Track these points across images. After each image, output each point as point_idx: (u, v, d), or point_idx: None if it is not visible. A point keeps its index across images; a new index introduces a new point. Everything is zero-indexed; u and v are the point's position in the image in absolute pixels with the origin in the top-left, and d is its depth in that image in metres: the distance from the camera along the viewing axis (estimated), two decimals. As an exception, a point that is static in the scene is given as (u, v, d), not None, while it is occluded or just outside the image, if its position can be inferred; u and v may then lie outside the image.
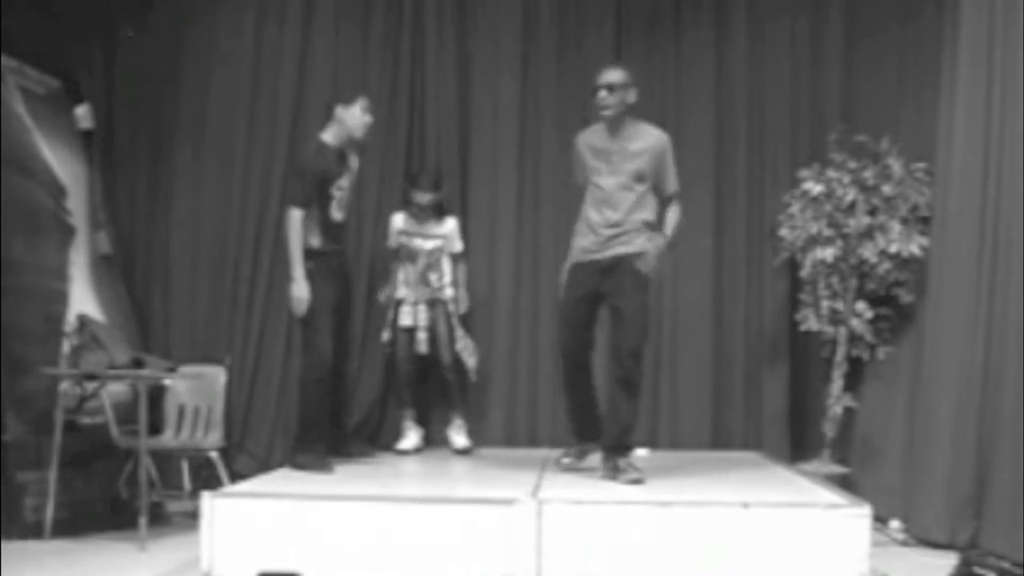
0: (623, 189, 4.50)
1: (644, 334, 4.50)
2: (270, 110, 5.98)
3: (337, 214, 4.88)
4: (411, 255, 5.55)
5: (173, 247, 5.99)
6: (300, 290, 4.70)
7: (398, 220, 5.61)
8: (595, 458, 4.65)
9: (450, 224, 5.66)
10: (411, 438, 5.54)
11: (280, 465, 5.06)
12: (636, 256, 4.48)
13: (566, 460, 4.79)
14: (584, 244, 4.58)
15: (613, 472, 4.39)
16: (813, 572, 3.63)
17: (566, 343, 4.65)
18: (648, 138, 4.56)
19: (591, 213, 4.57)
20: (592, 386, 4.73)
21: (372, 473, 4.71)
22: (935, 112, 5.11)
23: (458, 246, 5.67)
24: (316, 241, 4.79)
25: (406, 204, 5.62)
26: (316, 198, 4.77)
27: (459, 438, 5.55)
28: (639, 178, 4.51)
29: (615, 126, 4.54)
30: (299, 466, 4.62)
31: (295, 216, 4.72)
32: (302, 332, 4.89)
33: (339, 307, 4.92)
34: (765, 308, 5.82)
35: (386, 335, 5.54)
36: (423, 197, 5.52)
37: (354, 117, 4.86)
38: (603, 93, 4.49)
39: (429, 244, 5.56)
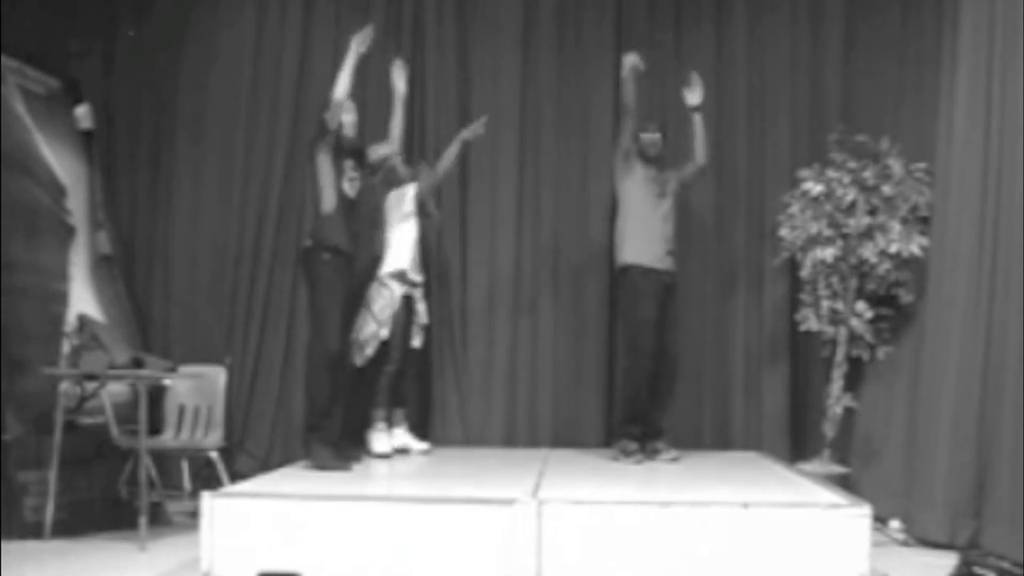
0: (671, 213, 5.29)
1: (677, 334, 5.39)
2: (270, 109, 5.99)
3: (349, 190, 4.89)
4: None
5: (173, 247, 5.99)
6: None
7: (404, 197, 5.33)
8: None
9: (411, 184, 5.50)
10: (385, 440, 5.26)
11: (280, 465, 5.07)
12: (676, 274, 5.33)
13: (639, 457, 5.05)
14: (649, 251, 5.18)
15: (653, 453, 5.16)
16: (813, 572, 3.62)
17: (653, 346, 5.14)
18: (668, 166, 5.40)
19: (653, 223, 5.21)
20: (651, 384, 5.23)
21: (372, 473, 4.70)
22: (935, 112, 5.12)
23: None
24: (330, 206, 4.79)
25: (390, 179, 5.40)
26: (331, 164, 4.81)
27: (415, 440, 5.41)
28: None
29: (658, 164, 5.34)
30: (314, 460, 4.61)
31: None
32: (312, 322, 4.89)
33: (347, 303, 4.96)
34: (765, 308, 5.82)
35: (385, 333, 5.19)
36: (398, 159, 5.43)
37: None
38: (658, 136, 5.32)
39: (412, 207, 5.39)
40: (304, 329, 5.71)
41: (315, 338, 4.83)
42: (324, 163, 4.83)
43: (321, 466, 4.58)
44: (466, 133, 5.40)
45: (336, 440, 4.96)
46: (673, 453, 5.16)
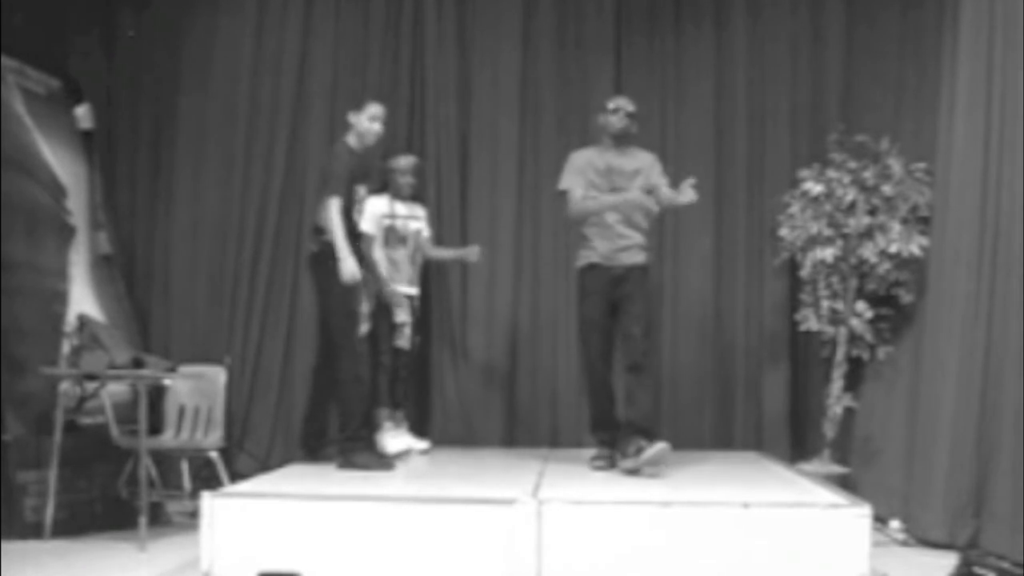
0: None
1: (648, 324, 4.96)
2: (270, 109, 5.98)
3: (356, 215, 4.93)
4: (401, 238, 5.37)
5: (173, 247, 5.99)
6: (348, 265, 4.69)
7: (381, 204, 5.35)
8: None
9: (421, 209, 5.59)
10: (396, 439, 5.29)
11: (280, 465, 5.07)
12: (643, 267, 4.86)
13: (599, 463, 4.83)
14: (597, 251, 4.82)
15: (637, 452, 4.57)
16: (813, 572, 3.62)
17: (594, 341, 4.82)
18: (643, 158, 4.91)
19: (593, 231, 4.82)
20: (613, 388, 4.89)
21: (371, 474, 4.70)
22: (935, 112, 5.12)
23: (427, 232, 5.59)
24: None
25: (387, 186, 5.42)
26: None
27: (415, 439, 5.43)
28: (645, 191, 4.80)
29: (618, 148, 4.86)
30: (358, 466, 4.61)
31: (334, 203, 4.71)
32: (336, 333, 4.82)
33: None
34: (765, 308, 5.82)
35: (366, 328, 5.22)
36: (405, 178, 5.43)
37: (362, 123, 4.91)
38: (621, 114, 4.83)
39: (413, 225, 5.46)
40: (304, 329, 5.75)
41: (343, 347, 4.78)
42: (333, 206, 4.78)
43: (365, 468, 4.59)
44: (466, 255, 5.53)
45: (326, 443, 4.99)
46: (658, 452, 4.49)
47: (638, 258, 4.85)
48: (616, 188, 4.80)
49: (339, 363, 4.78)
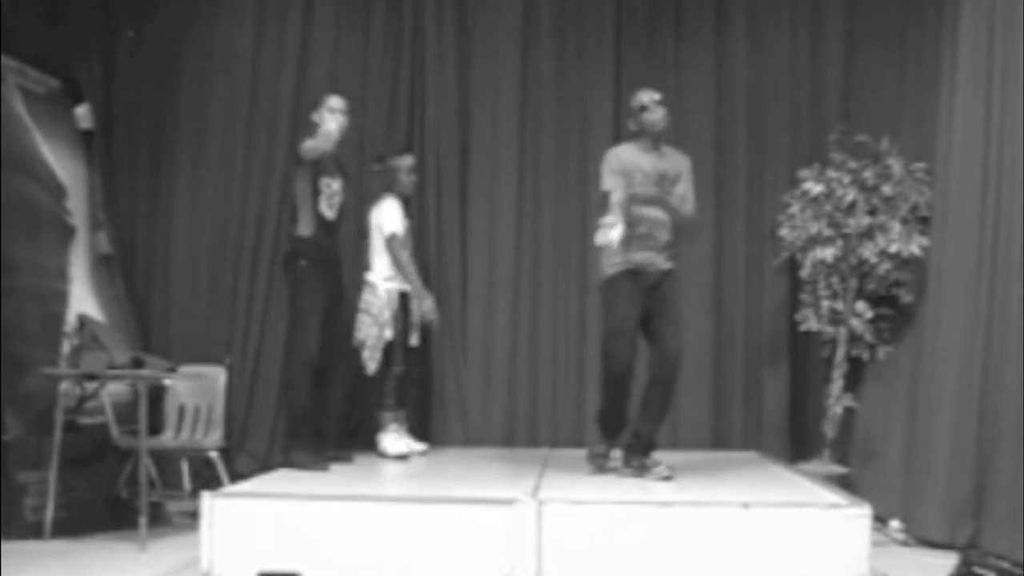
0: (667, 217, 4.65)
1: (682, 336, 4.72)
2: (270, 110, 5.98)
3: (327, 211, 4.95)
4: (409, 240, 5.36)
5: (173, 247, 5.99)
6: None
7: (397, 205, 5.32)
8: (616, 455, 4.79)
9: None
10: (400, 441, 5.26)
11: (280, 465, 5.07)
12: (674, 272, 4.73)
13: (597, 460, 4.80)
14: (629, 258, 4.58)
15: (641, 470, 4.54)
16: (813, 572, 3.63)
17: (623, 353, 4.59)
18: (681, 161, 4.76)
19: (642, 230, 4.58)
20: (631, 385, 4.73)
21: (372, 473, 4.71)
22: (935, 112, 5.11)
23: None
24: (308, 230, 4.88)
25: (391, 187, 5.37)
26: (310, 186, 4.86)
27: (413, 440, 5.40)
28: (681, 201, 4.71)
29: (656, 146, 4.66)
30: (294, 464, 4.65)
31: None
32: (290, 328, 4.93)
33: (329, 309, 4.97)
34: (765, 308, 5.82)
35: (389, 334, 5.20)
36: (410, 176, 5.43)
37: (323, 117, 4.92)
38: (660, 108, 4.60)
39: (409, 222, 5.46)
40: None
41: (294, 345, 4.88)
42: (302, 187, 4.87)
43: (296, 465, 4.63)
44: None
45: (318, 443, 4.97)
46: (665, 471, 4.50)
47: (670, 264, 4.71)
48: (666, 195, 4.64)
49: (287, 361, 4.89)
